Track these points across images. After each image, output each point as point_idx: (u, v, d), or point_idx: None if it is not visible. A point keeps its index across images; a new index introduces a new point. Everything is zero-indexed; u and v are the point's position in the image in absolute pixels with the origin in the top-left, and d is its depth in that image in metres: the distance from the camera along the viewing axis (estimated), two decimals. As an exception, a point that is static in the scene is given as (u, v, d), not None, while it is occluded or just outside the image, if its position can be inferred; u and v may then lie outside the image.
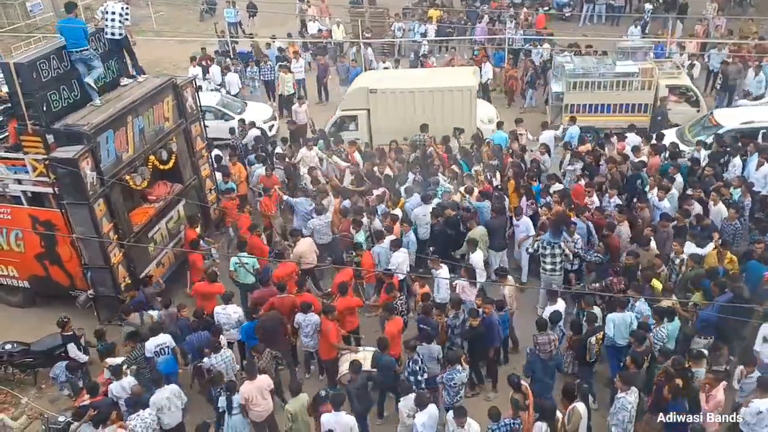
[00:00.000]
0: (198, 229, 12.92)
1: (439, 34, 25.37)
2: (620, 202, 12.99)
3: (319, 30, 25.95)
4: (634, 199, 13.35)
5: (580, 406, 8.79)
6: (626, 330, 10.01)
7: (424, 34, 25.04)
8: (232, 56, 23.71)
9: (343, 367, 10.07)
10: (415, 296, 11.15)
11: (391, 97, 16.19)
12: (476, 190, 13.34)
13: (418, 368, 9.43)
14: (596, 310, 10.45)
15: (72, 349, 10.76)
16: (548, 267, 11.65)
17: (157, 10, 31.09)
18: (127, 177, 11.74)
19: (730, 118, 15.37)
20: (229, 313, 10.77)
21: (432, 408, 8.88)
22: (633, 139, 15.24)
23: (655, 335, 9.86)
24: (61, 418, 9.33)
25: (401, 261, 11.69)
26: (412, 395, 8.97)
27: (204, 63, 22.01)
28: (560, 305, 10.62)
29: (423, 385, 9.52)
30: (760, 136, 14.66)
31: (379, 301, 11.14)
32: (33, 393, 11.28)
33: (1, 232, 11.91)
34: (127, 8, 12.05)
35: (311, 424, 9.33)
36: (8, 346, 11.25)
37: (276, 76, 21.33)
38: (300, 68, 21.76)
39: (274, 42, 23.59)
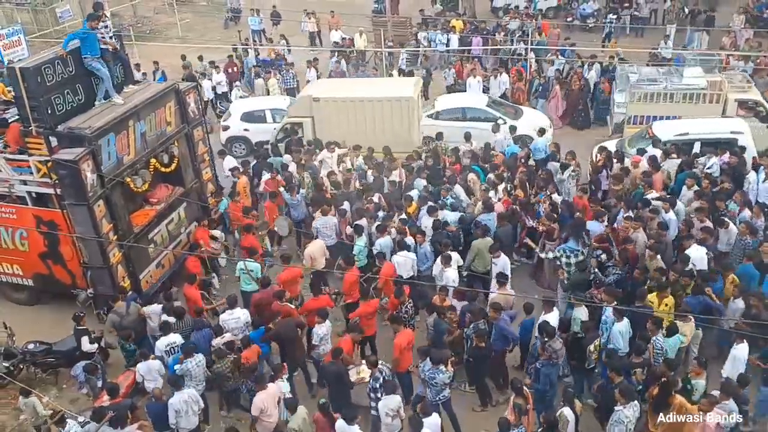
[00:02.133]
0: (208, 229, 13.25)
1: (462, 44, 25.43)
2: (631, 215, 12.81)
3: (342, 38, 26.22)
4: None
5: (566, 411, 8.86)
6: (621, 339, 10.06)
7: (447, 44, 25.11)
8: (255, 63, 24.10)
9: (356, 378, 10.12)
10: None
11: (333, 106, 16.40)
12: (479, 205, 13.33)
13: (378, 386, 9.35)
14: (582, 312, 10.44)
15: (84, 341, 10.92)
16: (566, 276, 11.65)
17: (183, 17, 31.81)
18: (128, 179, 12.03)
19: (666, 130, 15.54)
20: (238, 317, 10.85)
21: (435, 417, 8.88)
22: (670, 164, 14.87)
23: (653, 344, 9.80)
24: (81, 418, 9.41)
25: (402, 263, 11.78)
26: (392, 396, 9.06)
27: (229, 70, 22.45)
28: (554, 314, 10.50)
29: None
30: (697, 147, 14.90)
31: (389, 305, 11.16)
32: (54, 393, 11.44)
33: (6, 231, 12.27)
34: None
35: None
36: (31, 346, 11.44)
37: (297, 84, 21.69)
38: (313, 77, 22.07)
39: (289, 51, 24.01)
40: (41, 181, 11.58)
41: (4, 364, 11.13)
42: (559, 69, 21.40)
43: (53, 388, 11.54)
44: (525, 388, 9.15)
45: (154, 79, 20.70)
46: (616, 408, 8.74)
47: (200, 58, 23.17)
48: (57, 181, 11.24)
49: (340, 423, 8.72)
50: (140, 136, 12.24)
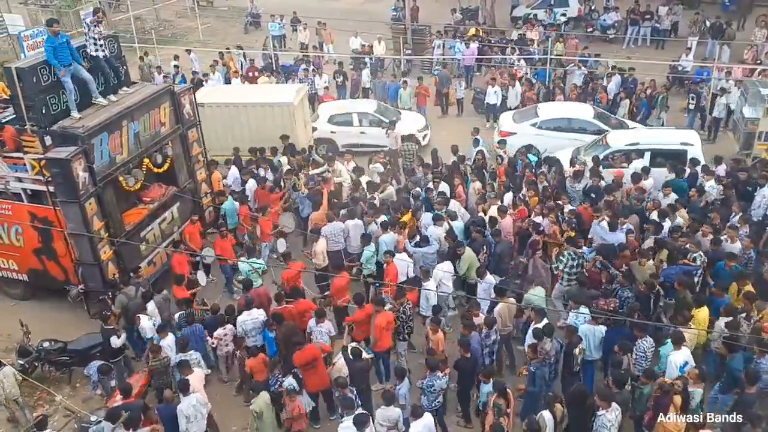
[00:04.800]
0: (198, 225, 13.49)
1: (481, 52, 25.38)
2: (632, 228, 12.68)
3: (362, 45, 26.36)
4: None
5: (546, 414, 8.90)
6: (595, 343, 10.16)
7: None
8: (275, 69, 24.36)
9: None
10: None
11: (217, 111, 16.94)
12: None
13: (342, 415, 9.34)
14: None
15: (113, 340, 11.01)
16: (566, 279, 11.87)
17: (204, 21, 32.22)
18: (120, 178, 12.25)
19: (618, 139, 16.03)
20: (256, 317, 10.97)
21: (427, 417, 8.93)
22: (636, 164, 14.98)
23: (636, 348, 9.82)
24: (93, 418, 9.45)
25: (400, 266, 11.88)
26: (393, 407, 9.05)
27: (250, 74, 22.68)
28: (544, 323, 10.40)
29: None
30: (647, 156, 15.19)
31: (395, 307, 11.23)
32: (67, 391, 11.54)
33: (2, 227, 12.58)
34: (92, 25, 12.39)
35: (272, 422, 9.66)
36: (46, 344, 11.53)
37: (316, 90, 21.93)
38: (325, 83, 22.20)
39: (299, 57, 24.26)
40: (35, 179, 11.86)
41: (19, 361, 11.24)
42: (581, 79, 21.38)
43: (66, 387, 11.66)
44: (508, 390, 9.16)
45: (174, 82, 21.09)
46: (598, 413, 8.74)
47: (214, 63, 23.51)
48: (49, 179, 11.49)
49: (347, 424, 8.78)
50: (134, 136, 12.47)
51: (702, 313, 10.36)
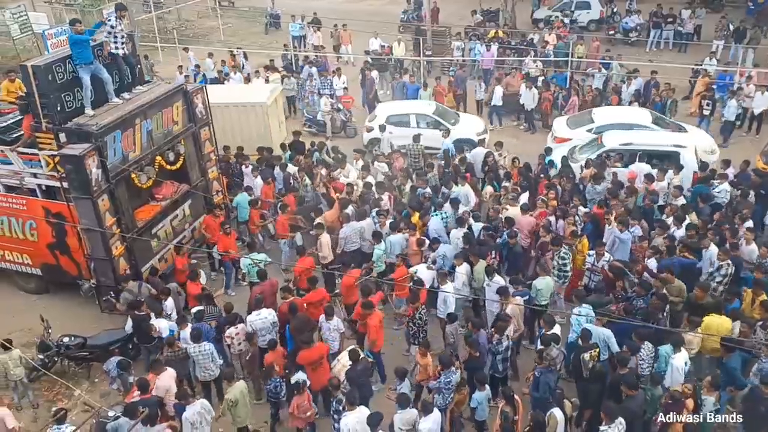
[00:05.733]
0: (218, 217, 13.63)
1: (501, 55, 25.26)
2: (641, 233, 12.58)
3: (382, 46, 26.42)
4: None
5: (556, 411, 8.88)
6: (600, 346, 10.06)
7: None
8: (294, 69, 24.50)
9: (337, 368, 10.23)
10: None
11: None
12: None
13: (341, 407, 9.29)
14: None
15: (159, 322, 11.10)
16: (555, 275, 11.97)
17: (226, 21, 32.56)
18: (133, 175, 12.41)
19: (613, 139, 16.08)
20: (265, 317, 10.99)
21: (436, 414, 8.93)
22: (642, 167, 14.89)
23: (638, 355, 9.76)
24: (111, 413, 9.44)
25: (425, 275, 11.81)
26: (409, 410, 8.98)
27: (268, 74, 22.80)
28: (556, 330, 10.41)
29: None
30: (637, 158, 15.33)
31: (409, 312, 11.24)
32: (86, 386, 11.62)
33: (17, 221, 12.80)
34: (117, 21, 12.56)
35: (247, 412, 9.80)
36: (66, 339, 11.64)
37: (334, 91, 22.00)
38: (344, 84, 22.30)
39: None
40: (50, 175, 12.05)
41: (39, 356, 11.37)
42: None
43: (85, 382, 11.76)
44: (516, 397, 9.09)
45: (195, 81, 21.29)
46: (601, 427, 8.65)
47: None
48: (63, 175, 11.67)
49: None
50: (146, 134, 12.62)
51: (716, 320, 10.15)
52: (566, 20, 28.56)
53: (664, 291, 10.82)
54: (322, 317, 10.87)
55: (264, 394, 10.60)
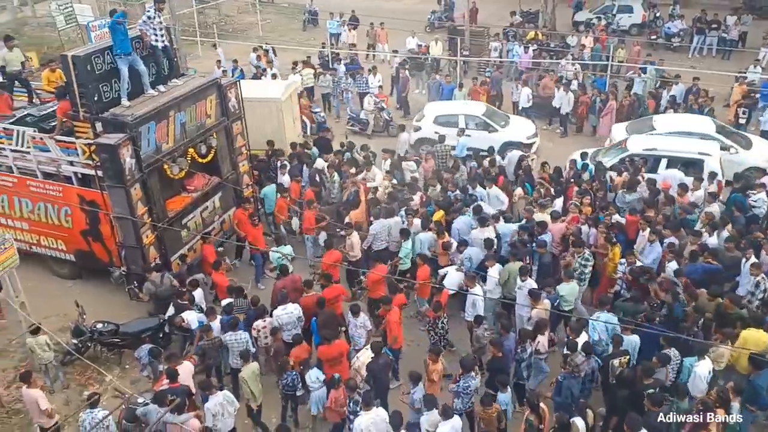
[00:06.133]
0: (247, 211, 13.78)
1: (539, 56, 25.07)
2: (675, 242, 12.37)
3: (419, 45, 26.42)
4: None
5: (578, 421, 8.80)
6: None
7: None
8: (330, 66, 24.66)
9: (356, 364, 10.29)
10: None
11: None
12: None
13: (358, 408, 9.28)
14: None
15: (188, 315, 11.29)
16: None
17: (265, 17, 32.87)
18: (165, 166, 12.64)
19: (637, 143, 16.00)
20: (291, 312, 11.08)
21: (456, 420, 8.91)
22: (675, 174, 14.62)
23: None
24: (140, 399, 9.60)
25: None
26: (435, 411, 8.99)
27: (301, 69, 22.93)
28: (583, 338, 10.29)
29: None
30: (664, 163, 15.26)
31: (430, 314, 11.25)
32: (117, 372, 11.79)
33: (53, 207, 13.11)
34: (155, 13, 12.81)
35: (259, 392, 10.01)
36: (99, 326, 11.85)
37: (369, 90, 22.02)
38: (379, 82, 22.36)
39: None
40: (85, 163, 12.33)
41: (73, 341, 11.57)
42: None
43: (116, 368, 11.96)
44: (543, 405, 9.02)
45: (232, 76, 21.53)
46: None
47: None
48: (98, 164, 11.94)
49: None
50: (180, 126, 12.83)
51: (754, 334, 9.87)
52: (607, 23, 28.18)
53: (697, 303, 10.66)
54: (349, 314, 10.93)
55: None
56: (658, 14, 29.42)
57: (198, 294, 11.90)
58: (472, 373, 9.56)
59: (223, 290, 12.05)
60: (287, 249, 12.87)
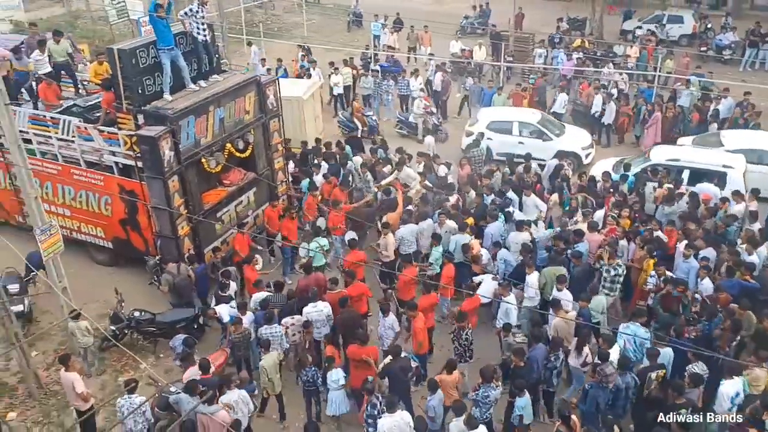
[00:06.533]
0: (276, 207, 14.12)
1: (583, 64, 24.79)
2: (709, 256, 12.15)
3: (462, 50, 26.41)
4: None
5: None
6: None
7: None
8: (372, 68, 24.81)
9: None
10: None
11: None
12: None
13: (376, 412, 9.30)
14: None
15: (220, 308, 11.47)
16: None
17: (310, 17, 33.19)
18: (203, 160, 12.91)
19: (660, 154, 16.09)
20: (321, 309, 11.20)
21: (482, 429, 8.93)
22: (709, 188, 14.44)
23: (689, 372, 9.51)
24: (173, 388, 9.71)
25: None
26: (463, 416, 8.99)
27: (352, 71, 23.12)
28: (615, 350, 10.19)
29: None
30: (687, 174, 15.21)
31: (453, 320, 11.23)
32: (151, 361, 12.05)
33: (94, 196, 13.52)
34: (199, 7, 13.09)
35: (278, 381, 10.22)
36: (137, 314, 12.15)
37: (410, 92, 22.24)
38: (421, 85, 22.43)
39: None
40: (126, 153, 12.67)
41: (111, 327, 11.84)
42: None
43: (151, 356, 12.24)
44: (573, 417, 8.97)
45: (276, 75, 21.85)
46: None
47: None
48: (139, 155, 12.27)
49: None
50: (219, 121, 13.09)
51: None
52: (652, 32, 27.71)
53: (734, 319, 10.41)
54: (379, 313, 11.02)
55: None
56: (709, 25, 28.78)
57: (232, 286, 12.10)
58: (492, 383, 9.50)
59: (251, 284, 12.24)
60: (324, 241, 13.06)
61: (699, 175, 14.99)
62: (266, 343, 10.29)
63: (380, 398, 9.35)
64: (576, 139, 18.78)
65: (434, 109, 21.14)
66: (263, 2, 34.61)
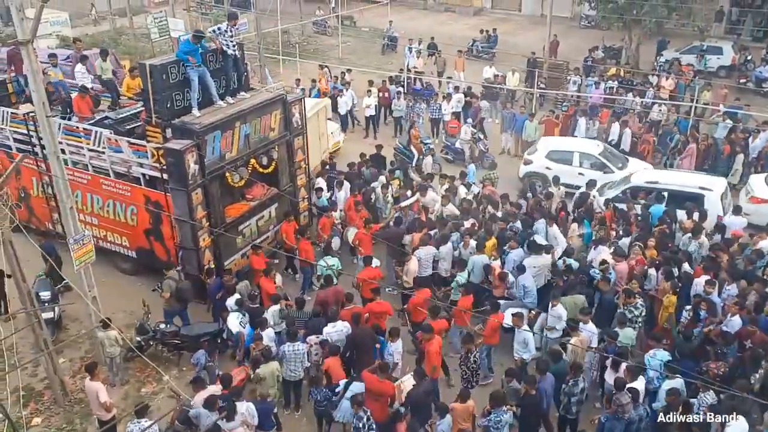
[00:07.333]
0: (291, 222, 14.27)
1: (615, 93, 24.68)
2: (736, 293, 11.93)
3: (495, 75, 26.50)
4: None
5: None
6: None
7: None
8: (405, 91, 25.04)
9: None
10: None
11: None
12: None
13: (361, 425, 9.31)
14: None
15: (230, 320, 11.76)
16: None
17: (345, 40, 33.72)
18: (227, 174, 13.17)
19: (640, 177, 16.39)
20: (340, 330, 11.25)
21: None
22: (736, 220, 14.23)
23: (699, 401, 9.43)
24: (194, 402, 9.76)
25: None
26: None
27: (381, 93, 23.59)
28: (641, 382, 10.07)
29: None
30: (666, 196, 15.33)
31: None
32: (174, 373, 12.12)
33: (121, 206, 13.85)
34: (228, 27, 13.46)
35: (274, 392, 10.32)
36: (162, 326, 12.26)
37: (442, 116, 22.50)
38: (452, 108, 22.61)
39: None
40: (153, 165, 12.97)
41: (137, 338, 12.05)
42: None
43: (175, 369, 12.33)
44: None
45: (309, 95, 22.28)
46: None
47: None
48: (165, 167, 12.57)
49: None
50: (244, 137, 13.36)
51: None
52: (696, 65, 27.38)
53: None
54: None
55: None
56: (749, 57, 28.38)
57: (231, 300, 12.13)
58: (504, 407, 9.42)
59: (268, 297, 12.38)
60: (332, 260, 13.13)
61: (677, 198, 15.12)
62: (267, 353, 10.35)
63: (363, 415, 9.39)
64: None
65: (482, 135, 21.02)
66: (301, 23, 35.29)
